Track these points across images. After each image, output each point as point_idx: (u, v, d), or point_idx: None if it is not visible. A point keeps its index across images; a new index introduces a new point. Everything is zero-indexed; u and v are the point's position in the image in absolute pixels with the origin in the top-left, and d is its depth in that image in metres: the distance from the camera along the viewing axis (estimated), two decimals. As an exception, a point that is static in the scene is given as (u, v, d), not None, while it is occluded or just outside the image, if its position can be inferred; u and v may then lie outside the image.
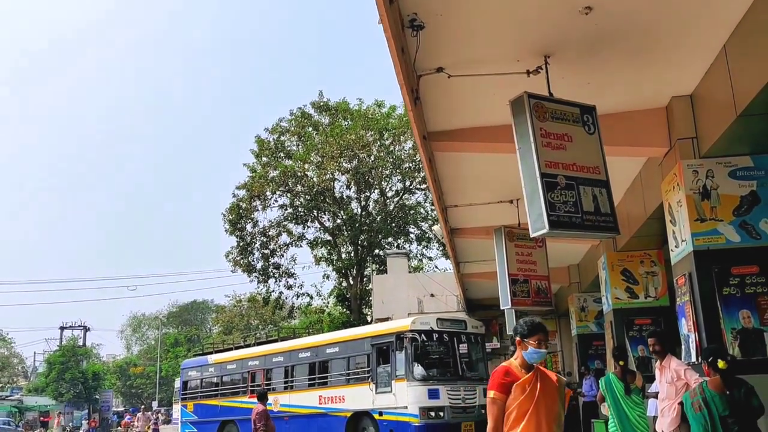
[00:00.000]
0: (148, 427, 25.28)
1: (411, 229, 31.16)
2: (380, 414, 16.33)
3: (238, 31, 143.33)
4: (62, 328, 68.16)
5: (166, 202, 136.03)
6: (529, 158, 6.43)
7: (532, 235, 6.46)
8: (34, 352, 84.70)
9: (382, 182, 29.93)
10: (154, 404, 63.75)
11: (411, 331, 16.13)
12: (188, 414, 22.72)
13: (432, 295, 24.50)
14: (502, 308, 11.39)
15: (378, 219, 30.31)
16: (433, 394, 15.82)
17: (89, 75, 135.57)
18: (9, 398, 63.34)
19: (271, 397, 19.60)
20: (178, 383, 30.32)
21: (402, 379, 15.98)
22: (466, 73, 6.91)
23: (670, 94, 7.91)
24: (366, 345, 17.21)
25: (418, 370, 16.05)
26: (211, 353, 23.62)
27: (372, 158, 28.49)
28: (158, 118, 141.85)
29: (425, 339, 16.37)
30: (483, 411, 16.72)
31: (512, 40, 6.65)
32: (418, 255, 32.35)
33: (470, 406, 16.28)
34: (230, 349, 22.96)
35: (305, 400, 18.51)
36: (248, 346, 22.38)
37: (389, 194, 30.57)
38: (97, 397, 65.58)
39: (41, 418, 56.84)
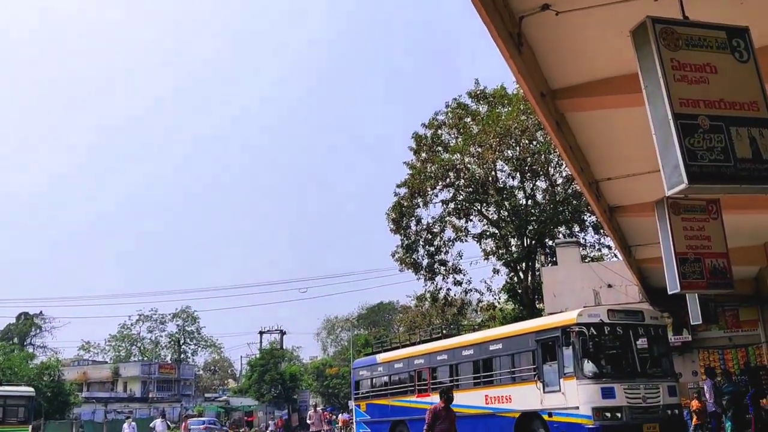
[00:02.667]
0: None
1: (586, 217, 29.03)
2: (550, 415, 15.08)
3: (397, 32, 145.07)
4: (261, 333, 72.71)
5: (346, 205, 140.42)
6: (658, 97, 5.14)
7: (668, 192, 5.15)
8: (240, 356, 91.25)
9: (549, 168, 28.22)
10: (351, 403, 65.88)
11: (578, 324, 14.71)
12: (361, 414, 22.72)
13: (610, 286, 22.51)
14: (669, 292, 9.76)
15: (547, 208, 28.63)
16: (608, 393, 14.28)
17: (260, 83, 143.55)
18: (218, 399, 68.73)
19: (436, 396, 18.99)
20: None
21: (571, 377, 14.61)
22: (577, 7, 5.73)
23: None
24: (530, 341, 16.00)
25: (589, 366, 14.60)
26: (379, 352, 23.48)
27: (535, 143, 26.97)
28: (334, 124, 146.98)
29: (595, 333, 14.87)
30: (669, 412, 14.91)
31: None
32: (596, 244, 30.19)
33: (652, 405, 14.52)
34: (397, 348, 22.64)
35: (471, 399, 17.61)
36: (414, 344, 21.90)
37: (558, 181, 28.76)
38: (296, 397, 69.09)
39: (246, 418, 60.87)
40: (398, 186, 29.38)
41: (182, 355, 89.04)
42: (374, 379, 22.61)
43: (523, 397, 15.91)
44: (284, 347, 79.69)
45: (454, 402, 18.30)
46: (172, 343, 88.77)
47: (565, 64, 7.06)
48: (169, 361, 77.06)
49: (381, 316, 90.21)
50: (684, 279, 9.55)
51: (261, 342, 72.26)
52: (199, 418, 48.47)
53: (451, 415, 11.17)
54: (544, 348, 15.58)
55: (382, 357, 22.40)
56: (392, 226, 29.38)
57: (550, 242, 28.27)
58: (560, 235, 28.58)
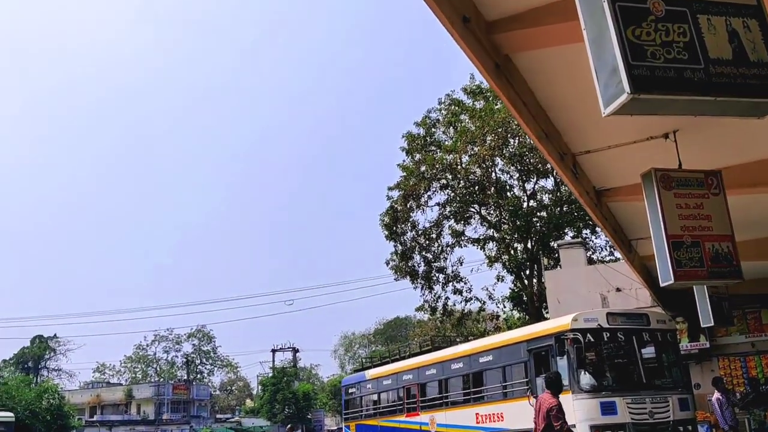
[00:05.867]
0: None
1: (596, 218, 26.87)
2: (544, 435, 13.23)
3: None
4: (274, 351, 71.02)
5: (331, 216, 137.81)
6: (586, -27, 3.50)
7: (605, 112, 3.48)
8: (257, 375, 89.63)
9: (553, 166, 26.14)
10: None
11: (572, 330, 12.91)
12: (351, 435, 20.98)
13: (618, 290, 20.61)
14: (661, 285, 7.97)
15: (553, 209, 26.71)
16: (608, 409, 12.44)
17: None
18: (229, 420, 67.11)
19: (426, 416, 17.26)
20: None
21: (566, 391, 12.74)
22: None
23: None
24: (522, 351, 14.22)
25: (586, 378, 12.79)
26: (368, 368, 21.75)
27: (536, 139, 24.91)
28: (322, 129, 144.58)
29: (592, 339, 13.04)
30: (680, 428, 13.02)
31: None
32: (607, 247, 28.14)
33: (661, 422, 12.63)
34: (387, 363, 20.91)
35: (462, 418, 15.86)
36: (403, 358, 20.16)
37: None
38: (309, 416, 67.25)
39: (257, 439, 59.06)
40: (390, 189, 27.69)
41: (198, 376, 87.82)
42: (363, 398, 20.89)
43: (516, 415, 14.09)
44: (299, 365, 78.12)
45: (444, 421, 16.65)
46: (189, 363, 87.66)
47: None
48: (183, 382, 75.58)
49: (398, 331, 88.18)
50: (679, 268, 7.75)
51: (274, 360, 70.64)
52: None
53: None
54: (536, 359, 13.80)
55: (370, 373, 20.69)
56: (386, 232, 27.68)
57: (555, 245, 26.29)
58: (567, 238, 26.59)
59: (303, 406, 65.39)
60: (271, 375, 67.43)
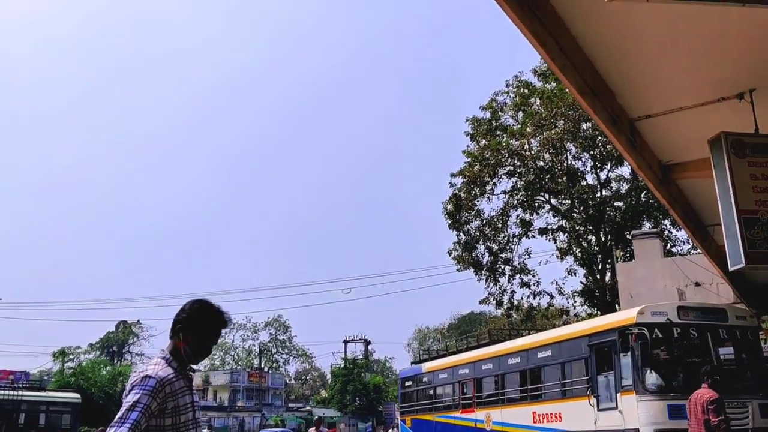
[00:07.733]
0: None
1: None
2: (605, 438, 12.11)
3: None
4: (345, 342, 70.91)
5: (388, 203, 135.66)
6: None
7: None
8: (330, 365, 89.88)
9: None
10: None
11: (637, 324, 11.72)
12: (407, 430, 20.19)
13: (697, 284, 18.95)
14: (731, 269, 6.80)
15: (629, 198, 24.98)
16: (677, 412, 11.17)
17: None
18: (300, 409, 67.58)
19: (482, 413, 16.28)
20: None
21: (630, 391, 11.65)
22: None
23: None
24: (583, 346, 13.08)
25: (652, 378, 11.59)
26: (426, 361, 20.92)
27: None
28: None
29: (660, 335, 11.80)
30: (760, 438, 11.61)
31: None
32: (690, 240, 26.05)
33: (739, 429, 11.23)
34: (445, 356, 20.04)
35: (518, 417, 14.83)
36: (459, 351, 19.24)
37: (643, 166, 24.84)
38: (380, 409, 66.87)
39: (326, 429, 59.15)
40: (453, 176, 26.54)
41: (274, 364, 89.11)
42: (419, 392, 20.11)
43: (575, 416, 13.00)
44: (374, 357, 77.76)
45: (500, 419, 15.63)
46: (264, 351, 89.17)
47: None
48: (257, 370, 76.83)
49: (472, 326, 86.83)
50: (751, 249, 6.59)
51: (345, 351, 70.59)
52: (274, 428, 47.08)
53: None
54: (598, 355, 12.65)
55: (427, 366, 19.87)
56: (449, 220, 26.59)
57: (630, 236, 24.51)
58: (645, 229, 24.76)
59: (374, 398, 65.06)
60: (341, 366, 67.46)
